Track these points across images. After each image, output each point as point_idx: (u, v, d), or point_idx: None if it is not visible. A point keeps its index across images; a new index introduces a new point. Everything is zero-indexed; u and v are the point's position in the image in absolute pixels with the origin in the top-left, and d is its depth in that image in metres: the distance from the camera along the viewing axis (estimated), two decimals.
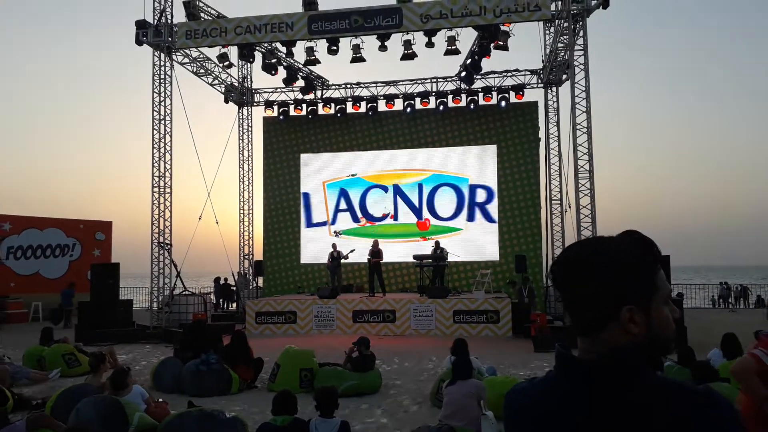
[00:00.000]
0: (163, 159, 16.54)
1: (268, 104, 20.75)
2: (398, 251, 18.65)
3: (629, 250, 1.18)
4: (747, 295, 26.21)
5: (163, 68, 16.62)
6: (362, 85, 20.14)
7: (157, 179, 16.44)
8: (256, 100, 21.45)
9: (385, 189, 19.99)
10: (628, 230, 1.22)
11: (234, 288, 20.73)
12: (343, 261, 16.85)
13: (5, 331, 15.96)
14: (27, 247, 21.21)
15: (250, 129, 21.57)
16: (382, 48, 15.78)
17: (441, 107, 19.32)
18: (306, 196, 20.47)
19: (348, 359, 8.49)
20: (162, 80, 16.58)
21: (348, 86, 20.33)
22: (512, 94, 19.03)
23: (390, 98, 19.78)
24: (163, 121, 16.56)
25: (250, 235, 21.49)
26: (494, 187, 19.34)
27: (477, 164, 19.54)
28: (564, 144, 17.64)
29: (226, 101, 20.53)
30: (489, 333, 14.48)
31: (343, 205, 20.23)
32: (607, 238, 1.21)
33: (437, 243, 16.68)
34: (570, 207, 16.64)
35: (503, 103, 18.99)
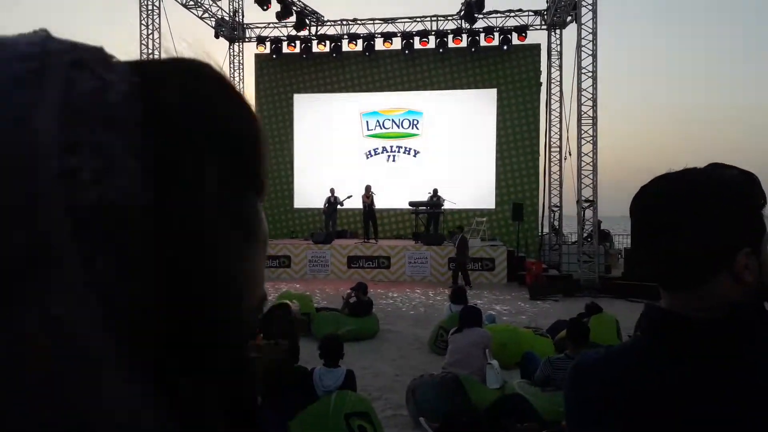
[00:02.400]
0: None
1: (260, 40, 19.90)
2: (394, 198, 18.29)
3: (741, 183, 0.93)
4: None
5: None
6: (359, 22, 19.31)
7: None
8: (247, 35, 20.56)
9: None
10: (715, 163, 0.97)
11: None
12: (339, 207, 16.53)
13: None
14: None
15: (241, 66, 20.78)
16: None
17: (441, 49, 18.61)
18: None
19: (346, 304, 8.32)
20: (150, 12, 15.75)
21: (344, 23, 19.49)
22: (515, 35, 18.34)
23: (388, 36, 18.99)
24: (151, 56, 15.79)
25: None
26: (493, 131, 18.90)
27: (476, 108, 19.03)
28: (566, 89, 17.16)
29: (217, 36, 19.65)
30: (483, 280, 14.40)
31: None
32: (704, 170, 0.95)
33: (435, 190, 16.37)
34: (570, 155, 16.32)
35: (505, 46, 18.33)
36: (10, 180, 0.27)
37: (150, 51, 15.77)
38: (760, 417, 0.84)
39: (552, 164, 18.22)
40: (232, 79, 0.35)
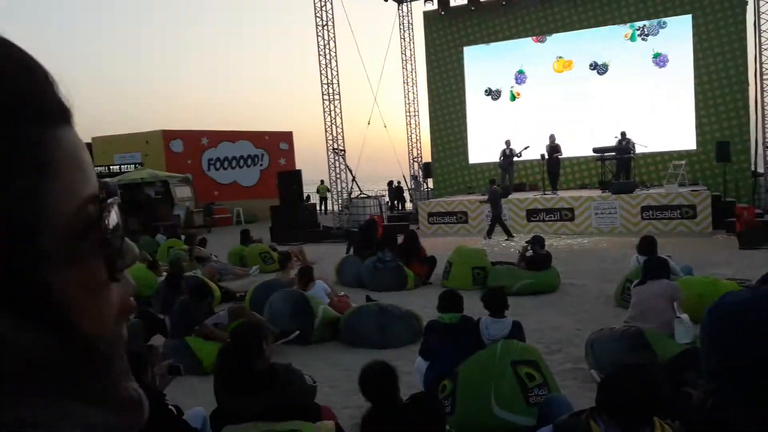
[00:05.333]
0: (329, 66, 16.85)
1: None
2: (575, 145, 17.27)
3: None
4: None
5: None
6: None
7: (326, 86, 16.89)
8: None
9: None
10: None
11: (411, 189, 21.33)
12: (516, 159, 16.10)
13: (214, 234, 18.21)
14: (224, 158, 23.63)
15: (411, 26, 21.00)
16: None
17: None
18: None
19: (521, 258, 8.19)
20: None
21: None
22: None
23: None
24: (325, 27, 16.71)
25: (418, 137, 21.52)
26: (690, 64, 16.74)
27: (668, 39, 16.96)
28: None
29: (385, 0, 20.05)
30: (683, 229, 13.08)
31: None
32: None
33: (623, 133, 15.10)
34: None
35: None
36: None
37: (324, 23, 16.61)
38: None
39: (765, 94, 15.64)
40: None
